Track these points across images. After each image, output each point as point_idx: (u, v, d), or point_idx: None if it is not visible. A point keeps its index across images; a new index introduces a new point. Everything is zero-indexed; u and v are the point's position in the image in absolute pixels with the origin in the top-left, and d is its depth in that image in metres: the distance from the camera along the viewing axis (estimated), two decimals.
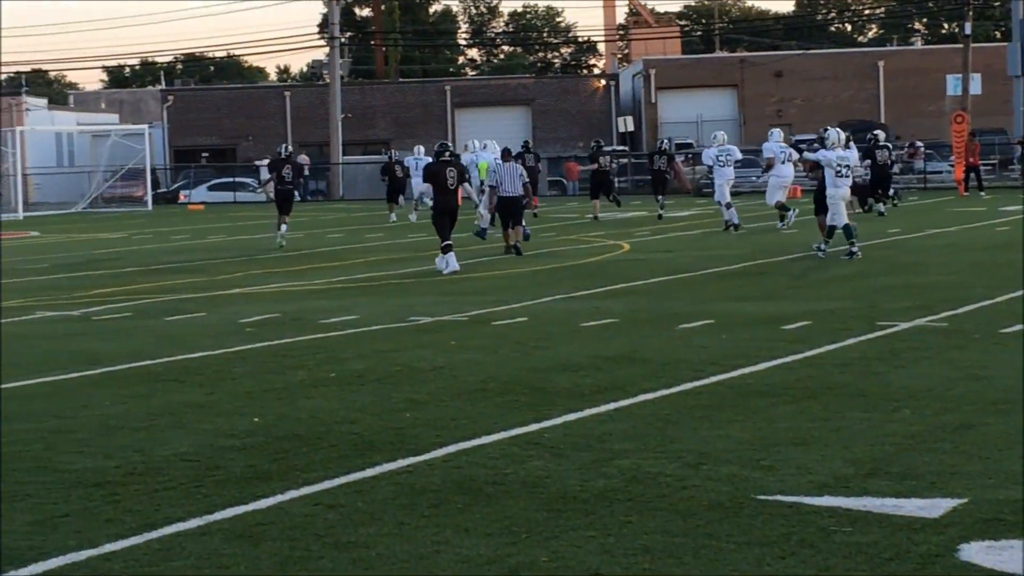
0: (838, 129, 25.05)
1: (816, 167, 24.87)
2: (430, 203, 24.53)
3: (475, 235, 30.02)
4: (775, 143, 31.74)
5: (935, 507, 7.74)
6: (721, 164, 32.28)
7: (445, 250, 23.58)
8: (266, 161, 63.65)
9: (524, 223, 28.73)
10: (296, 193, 33.47)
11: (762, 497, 8.04)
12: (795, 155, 31.22)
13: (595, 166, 40.14)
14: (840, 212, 23.67)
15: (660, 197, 39.80)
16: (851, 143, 26.49)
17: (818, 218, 24.81)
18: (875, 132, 39.06)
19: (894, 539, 7.19)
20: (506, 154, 29.88)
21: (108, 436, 10.34)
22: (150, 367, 13.77)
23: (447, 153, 24.45)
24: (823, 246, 23.86)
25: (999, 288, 18.21)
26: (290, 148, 35.44)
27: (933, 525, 7.42)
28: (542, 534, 7.47)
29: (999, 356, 12.89)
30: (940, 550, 6.98)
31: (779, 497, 8.03)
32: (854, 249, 23.44)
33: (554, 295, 19.24)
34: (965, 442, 9.34)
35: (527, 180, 28.41)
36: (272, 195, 31.23)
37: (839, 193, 23.73)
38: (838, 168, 23.73)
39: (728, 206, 32.01)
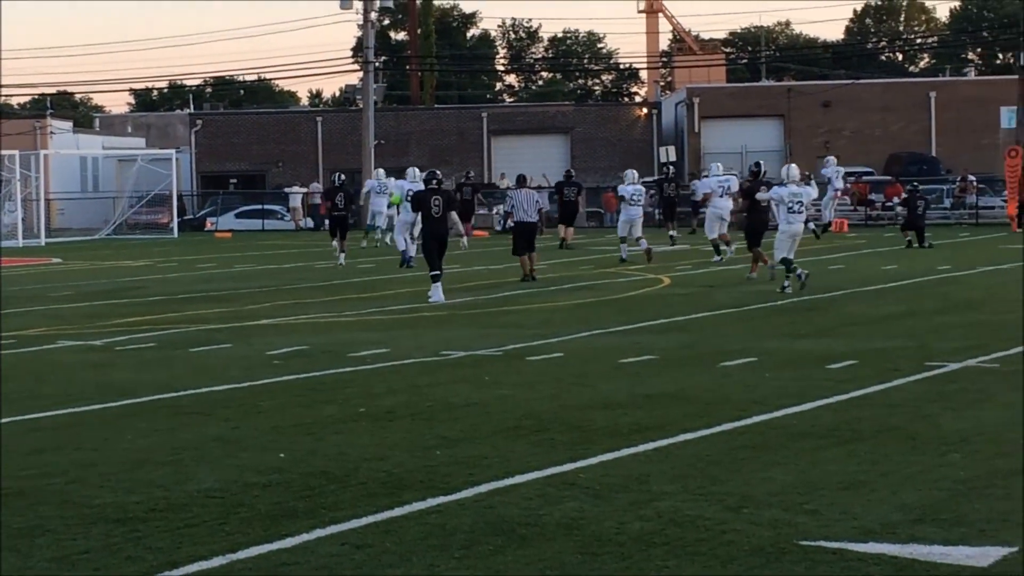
0: (793, 165, 25.85)
1: (747, 201, 27.02)
2: (381, 227, 24.77)
3: (401, 265, 31.84)
4: (713, 178, 33.15)
5: (985, 556, 7.50)
6: (719, 196, 32.57)
7: (434, 279, 23.75)
8: (295, 188, 64.16)
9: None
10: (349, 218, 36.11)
11: (805, 543, 7.78)
12: (733, 188, 32.06)
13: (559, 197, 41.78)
14: (786, 246, 24.37)
15: (671, 224, 41.26)
16: (811, 180, 28.02)
17: (752, 251, 26.45)
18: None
19: None
20: (521, 180, 30.55)
21: (131, 470, 10.13)
22: (175, 399, 13.57)
23: (435, 181, 24.56)
24: (786, 284, 24.03)
25: None
26: (343, 177, 38.03)
27: (982, 574, 7.20)
28: None
29: None
30: None
31: (823, 543, 7.77)
32: (787, 284, 23.98)
33: (592, 330, 18.96)
34: (1017, 488, 9.05)
35: (543, 207, 29.06)
36: (309, 222, 32.23)
37: (790, 229, 24.43)
38: (790, 204, 24.33)
39: (718, 245, 32.58)
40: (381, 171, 44.52)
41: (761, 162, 28.70)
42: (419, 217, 25.22)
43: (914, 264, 30.70)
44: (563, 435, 11.21)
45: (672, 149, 63.31)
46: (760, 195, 26.44)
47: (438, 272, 23.81)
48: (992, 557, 7.45)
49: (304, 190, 63.94)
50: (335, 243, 34.97)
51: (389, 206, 39.41)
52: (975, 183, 54.61)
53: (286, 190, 65.05)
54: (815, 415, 11.99)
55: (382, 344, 17.67)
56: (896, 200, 50.41)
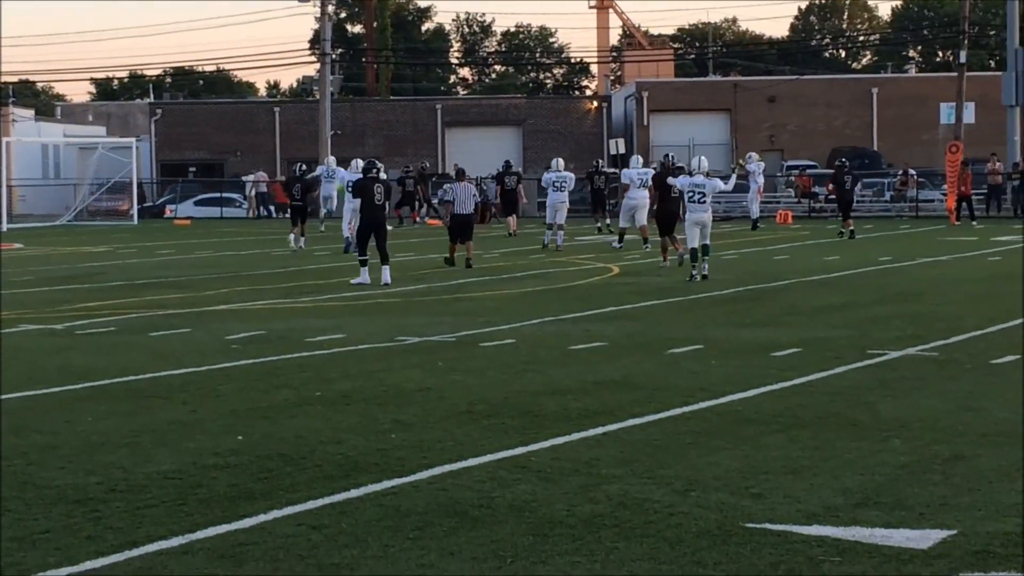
0: (702, 157, 26.52)
1: (657, 191, 28.58)
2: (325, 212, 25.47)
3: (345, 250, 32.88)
4: (634, 170, 33.89)
5: (925, 538, 7.69)
6: (637, 187, 33.41)
7: (362, 263, 24.98)
8: (251, 176, 64.10)
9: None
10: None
11: (751, 525, 7.98)
12: (650, 181, 32.45)
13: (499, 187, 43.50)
14: (691, 236, 25.07)
15: (600, 215, 42.88)
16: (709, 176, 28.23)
17: (662, 240, 27.96)
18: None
19: (883, 570, 7.14)
20: (460, 174, 31.74)
21: (91, 453, 10.25)
22: (134, 383, 13.67)
23: (375, 170, 25.53)
24: (694, 273, 24.86)
25: (991, 319, 18.16)
26: (304, 167, 39.97)
27: (922, 556, 7.37)
28: (529, 559, 7.40)
29: (991, 387, 12.83)
30: None
31: (768, 525, 7.97)
32: (694, 272, 24.83)
33: (543, 317, 19.16)
34: (956, 473, 9.29)
35: (479, 200, 30.63)
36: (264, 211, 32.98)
37: (692, 218, 25.15)
38: (691, 195, 25.19)
39: (621, 235, 33.97)
40: (332, 158, 44.89)
41: (671, 154, 30.50)
42: (358, 204, 25.99)
43: (855, 256, 31.04)
44: (514, 420, 11.40)
45: (622, 142, 63.55)
46: (670, 180, 27.80)
47: (366, 257, 24.96)
48: (932, 540, 7.65)
49: (251, 179, 63.91)
50: (293, 232, 35.87)
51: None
52: (915, 177, 55.13)
53: (243, 179, 64.98)
54: (759, 401, 12.22)
55: (337, 330, 17.82)
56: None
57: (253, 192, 62.33)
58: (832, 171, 57.18)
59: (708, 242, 25.27)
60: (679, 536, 7.80)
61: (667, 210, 28.15)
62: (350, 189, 32.69)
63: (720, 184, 25.88)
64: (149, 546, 7.71)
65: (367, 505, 8.59)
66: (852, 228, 38.40)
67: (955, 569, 7.12)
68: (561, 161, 37.25)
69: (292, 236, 35.87)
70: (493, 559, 7.40)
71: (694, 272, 24.81)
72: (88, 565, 7.38)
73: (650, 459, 9.81)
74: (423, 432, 10.90)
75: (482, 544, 7.69)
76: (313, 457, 9.97)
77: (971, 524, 7.97)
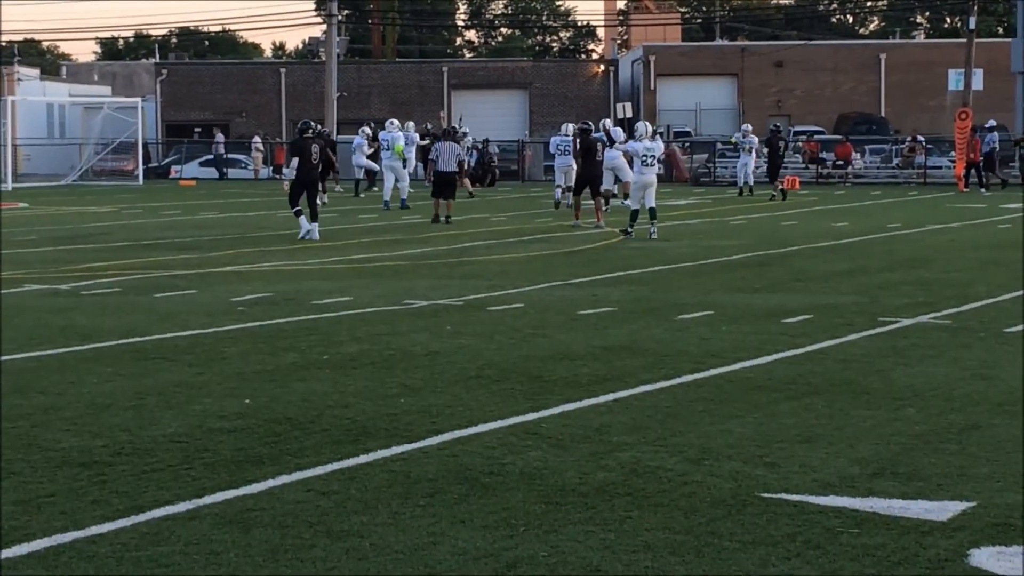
0: (646, 123, 28.00)
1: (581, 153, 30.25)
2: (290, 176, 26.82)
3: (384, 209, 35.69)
4: (559, 137, 36.90)
5: (943, 510, 7.58)
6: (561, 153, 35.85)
7: (298, 215, 26.55)
8: (257, 139, 64.00)
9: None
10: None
11: (766, 495, 7.87)
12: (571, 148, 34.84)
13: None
14: (640, 196, 26.58)
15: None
16: (657, 136, 29.99)
17: (576, 199, 30.08)
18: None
19: (902, 542, 7.02)
20: (446, 134, 34.02)
21: (96, 415, 10.14)
22: (140, 344, 13.57)
23: (310, 130, 27.06)
24: (629, 231, 26.58)
25: (1003, 286, 18.04)
26: (321, 126, 41.94)
27: (941, 528, 7.26)
28: (541, 527, 7.29)
29: (1004, 355, 12.70)
30: (949, 555, 6.82)
31: (783, 495, 7.86)
32: (653, 230, 26.37)
33: (551, 282, 19.04)
34: (972, 443, 9.17)
35: (463, 158, 32.90)
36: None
37: (642, 180, 26.53)
38: (643, 158, 26.39)
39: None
40: (394, 121, 43.95)
41: (590, 122, 32.31)
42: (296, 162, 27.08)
43: (864, 222, 30.92)
44: (523, 385, 11.29)
45: (628, 106, 63.01)
46: (619, 147, 29.81)
47: (300, 209, 26.46)
48: (950, 511, 7.53)
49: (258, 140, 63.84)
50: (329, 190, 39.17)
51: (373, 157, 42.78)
52: (923, 144, 54.94)
53: (253, 141, 64.87)
54: (771, 368, 12.11)
55: (344, 292, 17.71)
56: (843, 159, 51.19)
57: (259, 154, 62.27)
58: (841, 137, 57.43)
59: (654, 204, 26.70)
60: (693, 505, 7.69)
61: (591, 173, 29.82)
62: (384, 148, 36.74)
63: (663, 146, 28.07)
64: (155, 511, 7.60)
65: (376, 471, 8.48)
66: (782, 189, 41.92)
67: (975, 542, 7.00)
68: (571, 126, 37.38)
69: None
70: (504, 527, 7.30)
71: (630, 230, 26.41)
72: (94, 530, 7.27)
73: (661, 426, 9.70)
74: (432, 397, 10.79)
75: (493, 512, 7.58)
76: (321, 421, 9.87)
77: (989, 495, 7.86)
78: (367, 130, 44.59)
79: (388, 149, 37.98)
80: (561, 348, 13.23)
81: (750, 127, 46.83)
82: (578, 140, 31.37)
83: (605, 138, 32.25)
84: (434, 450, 9.02)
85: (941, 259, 22.35)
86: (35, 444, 9.20)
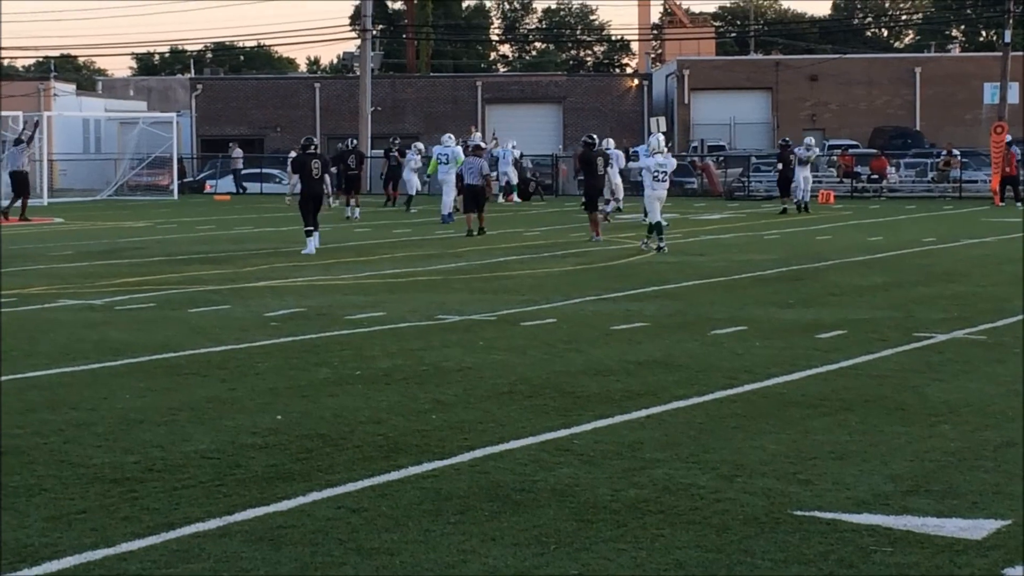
0: (659, 137, 28.25)
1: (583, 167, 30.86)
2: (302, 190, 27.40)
3: (442, 221, 36.17)
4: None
5: (978, 528, 7.50)
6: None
7: (308, 234, 26.82)
8: (293, 154, 64.17)
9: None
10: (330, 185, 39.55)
11: (799, 513, 7.81)
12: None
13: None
14: (655, 210, 26.79)
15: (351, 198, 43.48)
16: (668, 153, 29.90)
17: (590, 215, 29.75)
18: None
19: (936, 561, 6.96)
20: (476, 149, 34.97)
21: (128, 430, 10.15)
22: (173, 360, 13.59)
23: (312, 147, 27.78)
24: (646, 241, 27.11)
25: None
26: (355, 141, 45.78)
27: (976, 547, 7.19)
28: (572, 545, 7.25)
29: None
30: (984, 574, 6.78)
31: (817, 513, 7.80)
32: (663, 245, 26.58)
33: (584, 296, 19.00)
34: (1007, 460, 9.09)
35: (487, 173, 33.79)
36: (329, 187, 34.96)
37: (655, 195, 26.84)
38: (655, 173, 26.77)
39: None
40: (451, 136, 43.82)
41: (595, 136, 32.73)
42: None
43: (899, 236, 30.78)
44: (556, 401, 11.25)
45: (663, 120, 63.12)
46: (633, 164, 30.66)
47: (312, 228, 26.82)
48: (986, 530, 7.46)
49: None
50: (345, 200, 40.47)
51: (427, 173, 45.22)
52: (959, 157, 54.69)
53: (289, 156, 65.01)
54: (804, 384, 12.04)
55: (377, 307, 17.71)
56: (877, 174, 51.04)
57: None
58: (876, 151, 57.19)
59: (664, 219, 27.32)
60: (726, 523, 7.64)
61: (594, 186, 30.22)
62: (443, 162, 38.47)
63: (675, 162, 28.42)
64: (186, 528, 7.60)
65: (407, 488, 8.45)
66: (797, 202, 42.00)
67: (1011, 561, 6.93)
68: (611, 141, 37.96)
69: (347, 206, 40.19)
70: (535, 544, 7.26)
71: (661, 244, 26.58)
72: (125, 547, 7.26)
73: (694, 443, 9.65)
74: (464, 412, 10.76)
75: (524, 529, 7.54)
76: (353, 437, 9.85)
77: None
78: (420, 146, 45.11)
79: (447, 163, 38.80)
80: (594, 363, 13.19)
81: (812, 140, 45.70)
82: (578, 155, 32.15)
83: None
84: (465, 466, 8.98)
85: (976, 273, 22.20)
86: (67, 460, 9.21)
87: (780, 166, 44.02)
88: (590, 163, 30.45)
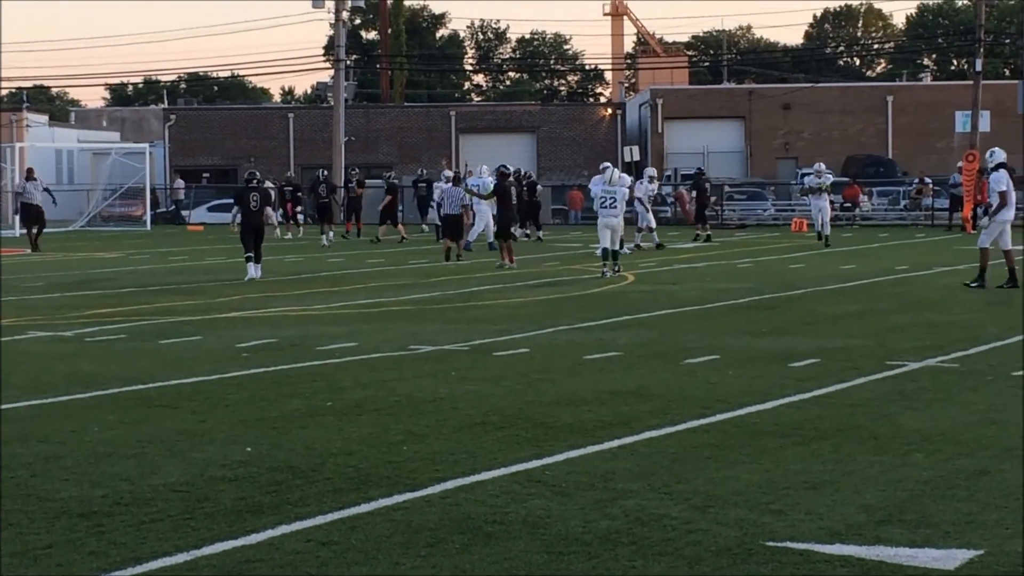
0: (609, 164, 30.04)
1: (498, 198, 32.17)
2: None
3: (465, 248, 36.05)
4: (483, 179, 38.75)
5: (951, 558, 7.46)
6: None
7: (247, 259, 28.43)
8: (269, 184, 64.12)
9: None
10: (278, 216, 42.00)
11: (772, 543, 7.76)
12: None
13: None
14: (604, 237, 27.72)
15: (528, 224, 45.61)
16: (622, 177, 31.29)
17: (503, 243, 31.12)
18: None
19: None
20: (454, 179, 37.59)
21: (97, 463, 10.05)
22: (143, 391, 13.49)
23: (254, 180, 29.61)
24: (605, 270, 27.80)
25: (1011, 328, 17.93)
26: (326, 172, 48.54)
27: None
28: None
29: (1014, 399, 12.57)
30: None
31: (789, 544, 7.75)
32: (611, 270, 27.65)
33: (557, 326, 18.95)
34: (981, 489, 9.05)
35: (466, 202, 35.78)
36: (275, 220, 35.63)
37: (603, 222, 27.71)
38: (603, 200, 27.78)
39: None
40: (485, 167, 43.57)
41: (509, 166, 34.84)
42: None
43: (872, 264, 30.83)
44: (528, 431, 11.19)
45: (636, 149, 63.41)
46: (591, 185, 32.43)
47: (251, 254, 28.39)
48: (959, 560, 7.43)
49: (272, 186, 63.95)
50: (289, 232, 43.62)
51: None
52: (931, 186, 54.91)
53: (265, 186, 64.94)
54: (778, 414, 12.00)
55: (350, 337, 17.64)
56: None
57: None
58: (849, 180, 57.33)
59: (618, 248, 28.33)
60: (698, 554, 7.59)
61: (507, 216, 31.91)
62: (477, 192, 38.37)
63: (626, 191, 29.49)
64: (153, 563, 7.51)
65: (378, 520, 8.38)
66: (708, 233, 42.80)
67: None
68: (652, 170, 41.53)
69: (322, 234, 42.99)
70: None
71: (605, 270, 27.61)
72: None
73: (667, 473, 9.60)
74: (436, 444, 10.69)
75: (495, 561, 7.48)
76: (323, 469, 9.77)
77: (999, 543, 7.74)
78: (448, 173, 45.04)
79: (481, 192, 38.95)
80: (567, 393, 13.14)
81: (823, 165, 42.63)
82: (494, 185, 33.50)
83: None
84: (436, 498, 8.92)
85: (949, 301, 22.23)
86: (33, 494, 9.10)
87: (695, 193, 44.54)
88: (504, 193, 32.00)
